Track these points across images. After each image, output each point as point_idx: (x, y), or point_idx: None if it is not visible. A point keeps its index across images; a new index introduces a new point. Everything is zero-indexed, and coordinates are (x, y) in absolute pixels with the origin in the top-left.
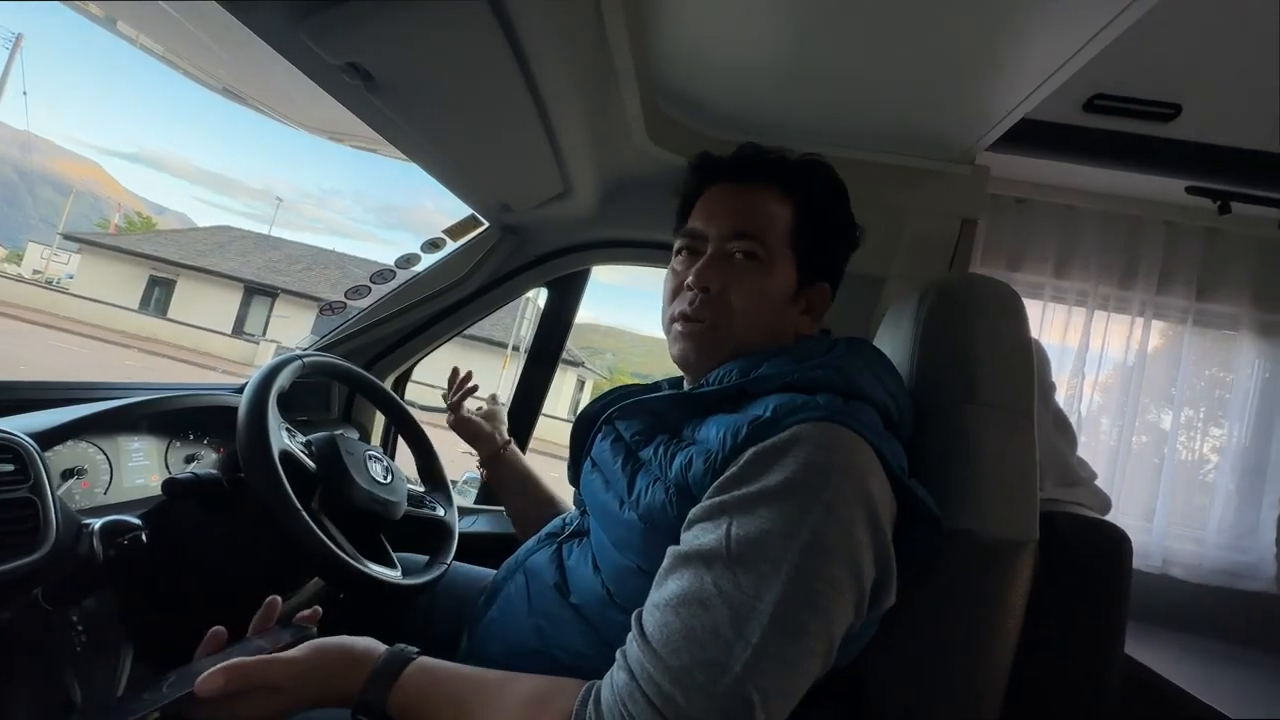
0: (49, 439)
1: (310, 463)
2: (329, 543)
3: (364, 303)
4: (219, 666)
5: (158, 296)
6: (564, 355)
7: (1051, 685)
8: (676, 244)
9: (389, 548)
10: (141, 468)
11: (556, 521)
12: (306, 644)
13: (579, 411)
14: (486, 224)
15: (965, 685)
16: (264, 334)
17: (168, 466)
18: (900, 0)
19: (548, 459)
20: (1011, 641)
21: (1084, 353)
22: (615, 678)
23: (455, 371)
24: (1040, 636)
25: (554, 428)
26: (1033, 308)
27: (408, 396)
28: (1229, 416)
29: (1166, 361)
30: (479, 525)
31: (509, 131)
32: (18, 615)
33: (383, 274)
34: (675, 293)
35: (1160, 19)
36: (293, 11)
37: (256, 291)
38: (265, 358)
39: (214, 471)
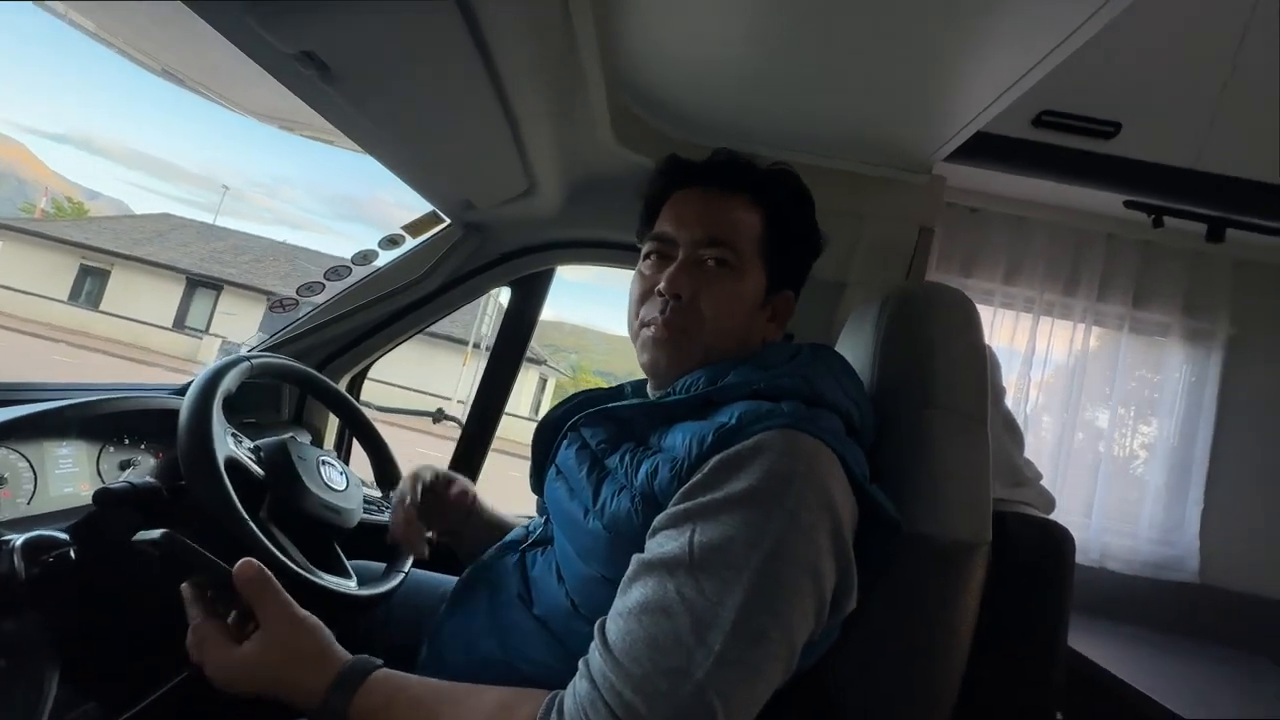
0: None
1: (258, 470)
2: (279, 554)
3: (317, 299)
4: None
5: (90, 287)
6: (526, 354)
7: (998, 680)
8: (645, 248)
9: (343, 557)
10: (70, 475)
11: (519, 529)
12: (312, 616)
13: (541, 417)
14: (448, 221)
15: (923, 686)
16: (208, 329)
17: (100, 474)
18: (862, 14)
19: (508, 458)
20: (966, 642)
21: (1030, 356)
22: (578, 687)
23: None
24: (988, 634)
25: (515, 426)
26: (983, 313)
27: (363, 396)
28: (1159, 417)
29: (1105, 365)
30: None
31: (472, 127)
32: None
33: (338, 270)
34: (644, 298)
35: (1104, 41)
36: None
37: (200, 284)
38: (209, 353)
39: (152, 480)
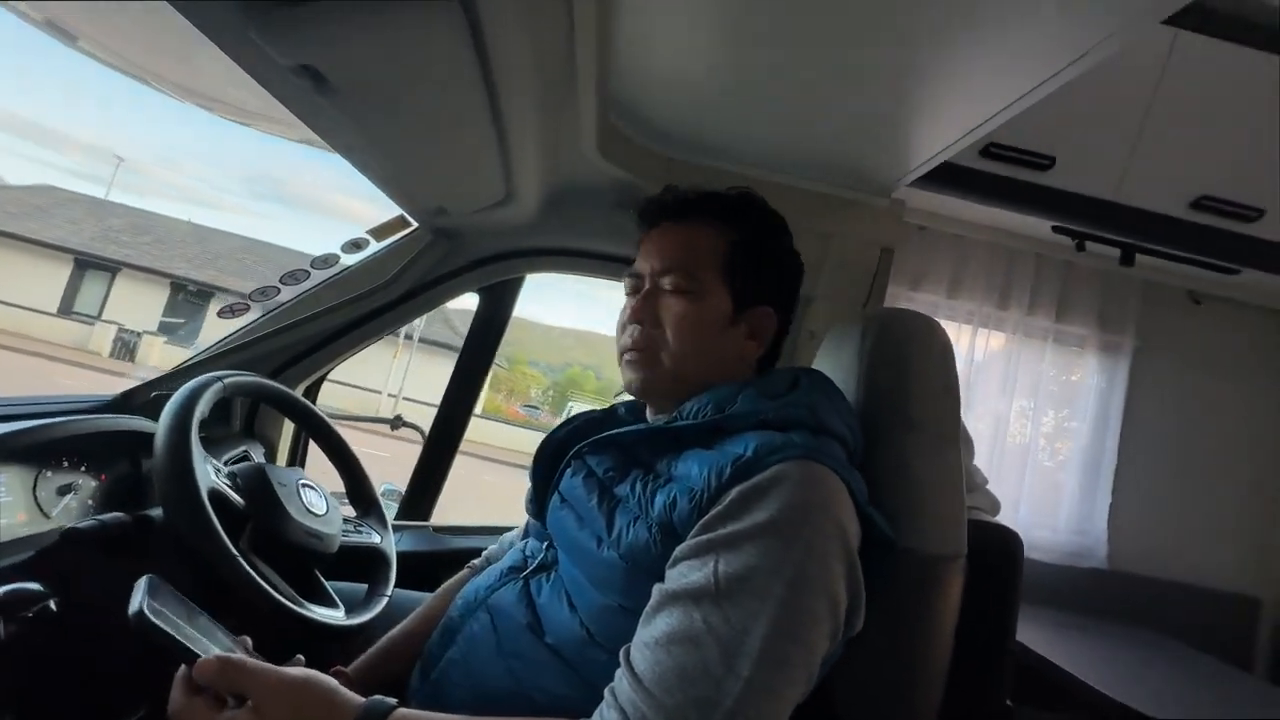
0: None
1: (239, 499)
2: (268, 588)
3: (282, 299)
4: (218, 654)
5: None
6: (459, 345)
7: (959, 677)
8: (625, 284)
9: (326, 584)
10: (6, 505)
11: (515, 554)
12: (300, 670)
13: (541, 441)
14: (415, 225)
15: (910, 692)
16: (100, 315)
17: (38, 502)
18: (843, 48)
19: (465, 458)
20: (948, 648)
21: (970, 364)
22: (606, 716)
23: None
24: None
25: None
26: None
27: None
28: (1075, 420)
29: (1032, 373)
30: (403, 544)
31: (459, 137)
32: None
33: (295, 274)
34: (621, 328)
35: None
36: (243, 9)
37: (91, 265)
38: (102, 342)
39: (121, 515)
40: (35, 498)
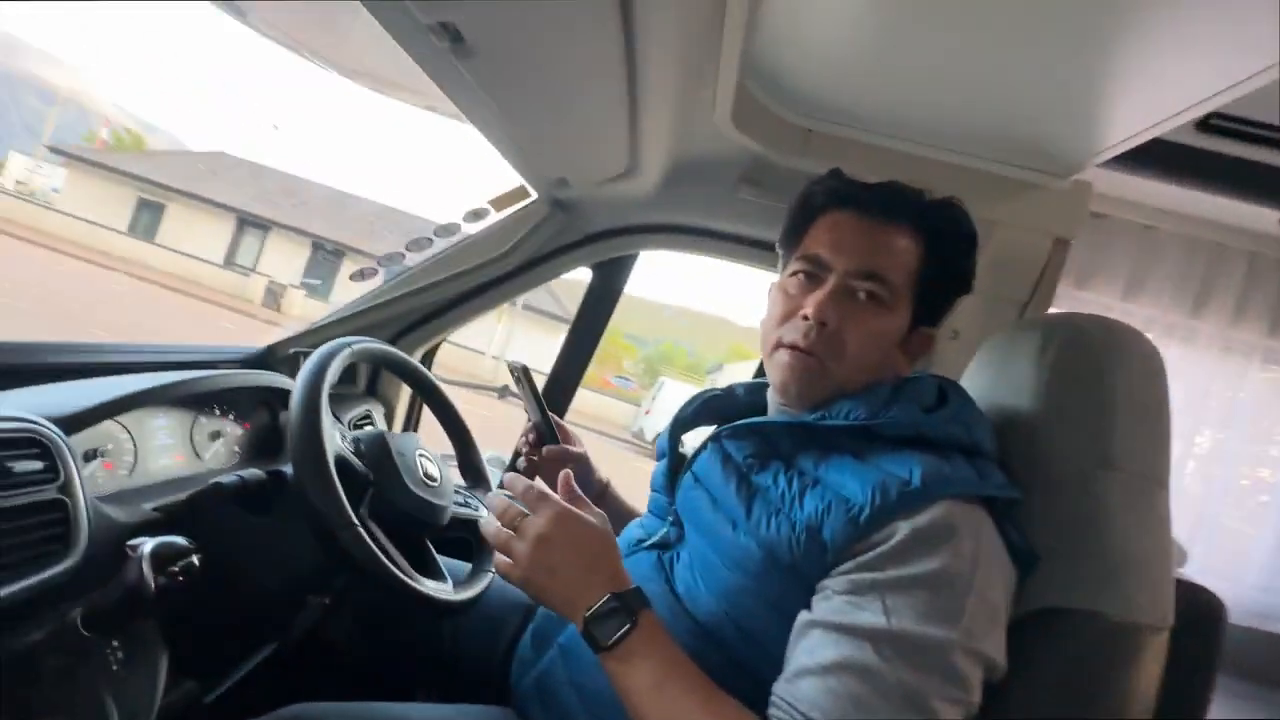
0: (75, 424)
1: (361, 465)
2: (385, 559)
3: (405, 264)
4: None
5: (146, 220)
6: (561, 315)
7: None
8: (792, 267)
9: (436, 556)
10: (166, 447)
11: (635, 527)
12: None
13: (671, 420)
14: (534, 196)
15: None
16: (255, 267)
17: (193, 445)
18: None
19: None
20: None
21: None
22: None
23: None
24: None
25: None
26: None
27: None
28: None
29: (1225, 399)
30: None
31: (590, 103)
32: (52, 639)
33: (419, 242)
34: (786, 317)
35: None
36: None
37: (250, 223)
38: (255, 291)
39: (259, 471)
40: (191, 441)
